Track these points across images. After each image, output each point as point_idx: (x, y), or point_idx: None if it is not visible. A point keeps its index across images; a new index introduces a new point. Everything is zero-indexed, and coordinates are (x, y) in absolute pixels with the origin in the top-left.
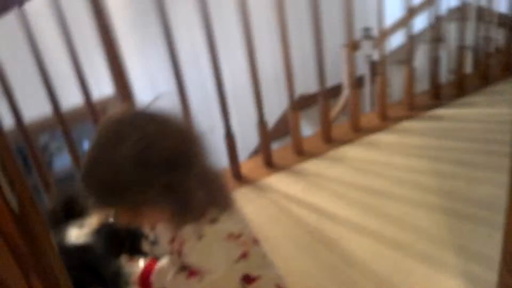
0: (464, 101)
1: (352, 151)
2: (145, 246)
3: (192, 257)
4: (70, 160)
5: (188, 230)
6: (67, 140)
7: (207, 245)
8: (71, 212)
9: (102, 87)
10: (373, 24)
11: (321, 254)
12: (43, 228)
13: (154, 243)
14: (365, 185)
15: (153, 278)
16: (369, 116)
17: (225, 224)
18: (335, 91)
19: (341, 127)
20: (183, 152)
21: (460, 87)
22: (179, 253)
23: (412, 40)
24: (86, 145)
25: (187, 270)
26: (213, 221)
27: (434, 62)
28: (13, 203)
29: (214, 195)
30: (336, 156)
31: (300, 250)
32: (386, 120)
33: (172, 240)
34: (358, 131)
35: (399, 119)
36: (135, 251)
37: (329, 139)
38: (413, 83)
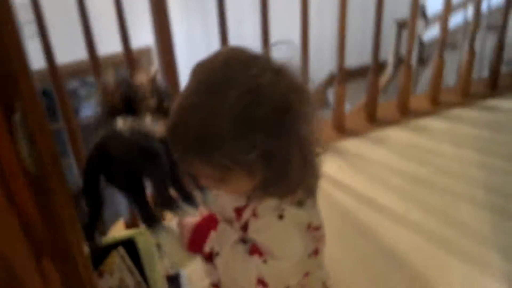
0: None
1: (396, 134)
2: (197, 197)
3: (262, 236)
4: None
5: (267, 206)
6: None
7: (285, 229)
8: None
9: (139, 36)
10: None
11: (354, 241)
12: (65, 197)
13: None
14: (407, 172)
15: (212, 235)
16: (418, 99)
17: (308, 212)
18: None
19: (386, 106)
20: (294, 117)
21: None
22: (244, 226)
23: (477, 21)
24: None
25: (250, 245)
26: (299, 204)
27: (498, 48)
28: (30, 161)
29: (310, 174)
30: (379, 138)
31: (331, 235)
32: (437, 105)
33: (240, 210)
34: (406, 113)
35: (451, 105)
36: (184, 193)
37: (373, 119)
38: (472, 69)
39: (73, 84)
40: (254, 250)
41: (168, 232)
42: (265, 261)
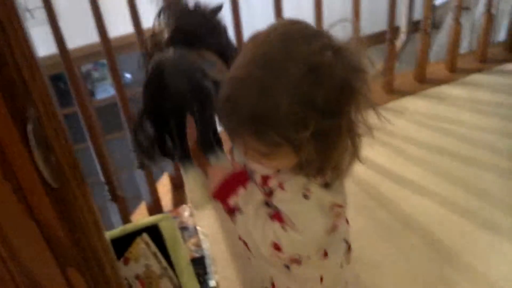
0: None
1: (415, 104)
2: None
3: (285, 208)
4: (112, 90)
5: (294, 182)
6: (111, 70)
7: (308, 209)
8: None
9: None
10: None
11: (377, 214)
12: (87, 205)
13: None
14: (428, 142)
15: (241, 191)
16: (435, 66)
17: (334, 193)
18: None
19: (403, 76)
20: (351, 100)
21: None
22: (269, 193)
23: None
24: (127, 77)
25: (273, 210)
26: (326, 185)
27: None
28: (48, 172)
29: (349, 157)
30: (397, 108)
31: (354, 207)
32: (454, 72)
33: (267, 177)
34: (423, 81)
35: (469, 71)
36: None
37: (391, 89)
38: (490, 32)
39: (87, 67)
40: (276, 216)
41: (196, 172)
42: (284, 228)
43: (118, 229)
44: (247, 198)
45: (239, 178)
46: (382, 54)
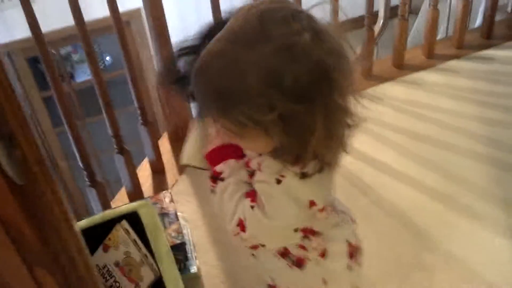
0: None
1: (393, 90)
2: None
3: (259, 187)
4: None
5: (270, 165)
6: (88, 52)
7: (278, 195)
8: None
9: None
10: None
11: (356, 201)
12: (56, 199)
13: None
14: (406, 128)
15: (230, 162)
16: (413, 52)
17: (312, 188)
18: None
19: (381, 62)
20: (326, 85)
21: None
22: (251, 175)
23: None
24: (107, 59)
25: (249, 189)
26: (303, 176)
27: None
28: (12, 170)
29: (330, 147)
30: (374, 94)
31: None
32: (432, 58)
33: (250, 159)
34: (401, 67)
35: (446, 57)
36: None
37: (369, 75)
38: (467, 20)
39: (67, 49)
40: (250, 194)
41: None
42: (252, 207)
43: (98, 216)
44: (234, 170)
45: (234, 150)
46: (361, 39)
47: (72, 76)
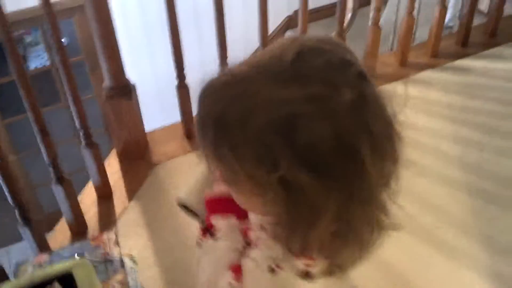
0: (495, 52)
1: None
2: None
3: (247, 265)
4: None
5: (270, 247)
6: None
7: (265, 285)
8: None
9: None
10: None
11: None
12: None
13: None
14: None
15: (231, 219)
16: (385, 58)
17: None
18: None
19: None
20: (353, 162)
21: (492, 34)
22: (246, 245)
23: None
24: (63, 41)
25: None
26: (305, 276)
27: None
28: None
29: (342, 244)
30: None
31: None
32: (406, 67)
33: (249, 229)
34: (372, 76)
35: (420, 67)
36: None
37: None
38: (442, 27)
39: (18, 31)
40: (235, 268)
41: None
42: (230, 284)
43: (25, 277)
44: (231, 233)
45: (238, 206)
46: (326, 30)
47: (24, 60)
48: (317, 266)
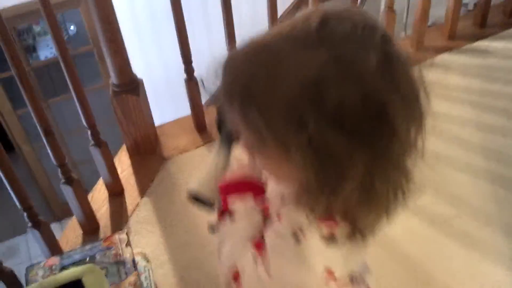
0: None
1: None
2: None
3: (270, 240)
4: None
5: (293, 216)
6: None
7: (291, 255)
8: None
9: None
10: None
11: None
12: None
13: None
14: None
15: (248, 199)
16: (400, 43)
17: (336, 255)
18: None
19: None
20: (380, 122)
21: (511, 13)
22: (266, 222)
23: None
24: (71, 29)
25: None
26: (329, 240)
27: None
28: None
29: (365, 207)
30: None
31: None
32: (421, 51)
33: (268, 205)
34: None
35: (437, 50)
36: None
37: None
38: (460, 7)
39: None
40: (258, 245)
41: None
42: (255, 262)
43: (34, 286)
44: (249, 213)
45: (256, 187)
46: None
47: (34, 49)
48: (340, 230)
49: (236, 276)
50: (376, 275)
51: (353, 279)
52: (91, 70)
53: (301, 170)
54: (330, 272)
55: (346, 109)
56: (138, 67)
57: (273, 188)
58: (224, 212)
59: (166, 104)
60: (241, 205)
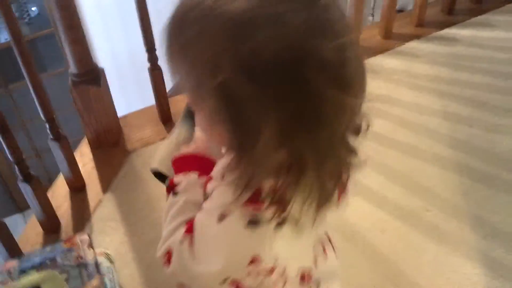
0: (482, 19)
1: None
2: None
3: (199, 219)
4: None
5: (222, 192)
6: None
7: (215, 234)
8: None
9: None
10: None
11: None
12: None
13: None
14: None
15: (192, 176)
16: (369, 32)
17: (262, 240)
18: None
19: None
20: (301, 74)
21: (478, 1)
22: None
23: None
24: (33, 10)
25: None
26: (252, 223)
27: None
28: None
29: (300, 184)
30: None
31: None
32: (390, 38)
33: (208, 180)
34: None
35: (405, 38)
36: None
37: None
38: None
39: None
40: (189, 223)
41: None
42: (181, 241)
43: None
44: (191, 187)
45: (202, 164)
46: None
47: None
48: (266, 213)
49: (167, 254)
50: (343, 269)
51: (305, 276)
52: (55, 53)
53: (219, 123)
54: (256, 260)
55: (261, 58)
56: (102, 53)
57: (219, 164)
58: (170, 187)
59: (133, 92)
60: (185, 179)
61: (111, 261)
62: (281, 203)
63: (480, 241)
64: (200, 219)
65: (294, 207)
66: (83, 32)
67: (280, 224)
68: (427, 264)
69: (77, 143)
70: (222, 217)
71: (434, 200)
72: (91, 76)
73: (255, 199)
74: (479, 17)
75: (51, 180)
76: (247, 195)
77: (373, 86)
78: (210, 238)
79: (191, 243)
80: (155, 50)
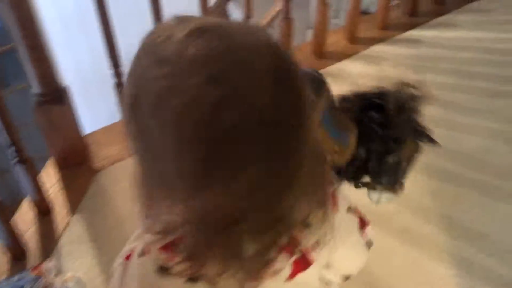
0: (445, 20)
1: None
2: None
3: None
4: None
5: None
6: None
7: (133, 273)
8: None
9: None
10: None
11: None
12: None
13: None
14: None
15: None
16: (334, 36)
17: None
18: None
19: (299, 50)
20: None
21: (441, 1)
22: None
23: None
24: None
25: None
26: (164, 270)
27: None
28: None
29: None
30: None
31: None
32: (355, 43)
33: None
34: (321, 57)
35: (370, 41)
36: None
37: None
38: None
39: None
40: (132, 251)
41: None
42: (119, 265)
43: None
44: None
45: None
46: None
47: None
48: (178, 266)
49: None
50: None
51: None
52: (19, 67)
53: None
54: None
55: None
56: (67, 67)
57: None
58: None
59: (100, 106)
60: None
61: (81, 285)
62: (195, 261)
63: (451, 242)
64: (123, 253)
65: (211, 269)
66: (47, 51)
67: (192, 280)
68: (399, 267)
69: (42, 160)
70: (142, 254)
71: (404, 202)
72: (55, 96)
73: (170, 249)
74: (442, 17)
75: (15, 200)
76: (160, 242)
77: (336, 91)
78: (131, 269)
79: (125, 269)
80: (119, 66)
